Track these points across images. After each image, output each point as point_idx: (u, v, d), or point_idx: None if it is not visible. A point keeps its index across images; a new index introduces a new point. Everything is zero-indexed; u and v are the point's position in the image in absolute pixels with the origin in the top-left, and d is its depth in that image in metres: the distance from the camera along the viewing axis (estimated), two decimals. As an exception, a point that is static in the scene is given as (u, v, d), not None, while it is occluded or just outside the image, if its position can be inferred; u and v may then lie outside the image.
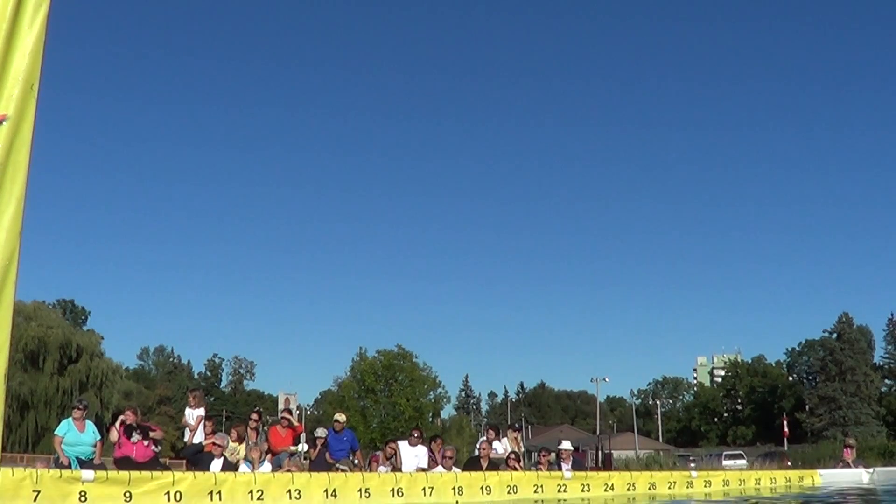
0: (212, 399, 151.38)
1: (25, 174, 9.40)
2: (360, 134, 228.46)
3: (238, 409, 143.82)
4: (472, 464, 21.33)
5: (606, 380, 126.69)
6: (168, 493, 14.94)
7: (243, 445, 20.59)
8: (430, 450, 22.35)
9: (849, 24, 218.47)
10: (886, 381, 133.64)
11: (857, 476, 28.24)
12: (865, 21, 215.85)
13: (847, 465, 29.36)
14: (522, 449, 25.42)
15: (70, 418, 18.70)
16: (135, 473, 15.21)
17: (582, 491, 20.37)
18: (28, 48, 9.55)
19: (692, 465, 69.25)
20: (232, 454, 19.93)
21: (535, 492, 19.58)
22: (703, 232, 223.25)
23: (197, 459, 19.77)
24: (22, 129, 9.44)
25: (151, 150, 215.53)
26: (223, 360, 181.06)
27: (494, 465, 21.26)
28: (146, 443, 18.70)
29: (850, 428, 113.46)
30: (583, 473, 21.37)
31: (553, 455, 23.40)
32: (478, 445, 23.05)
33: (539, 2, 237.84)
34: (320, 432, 21.82)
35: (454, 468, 20.71)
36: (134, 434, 18.61)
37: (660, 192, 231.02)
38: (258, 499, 15.76)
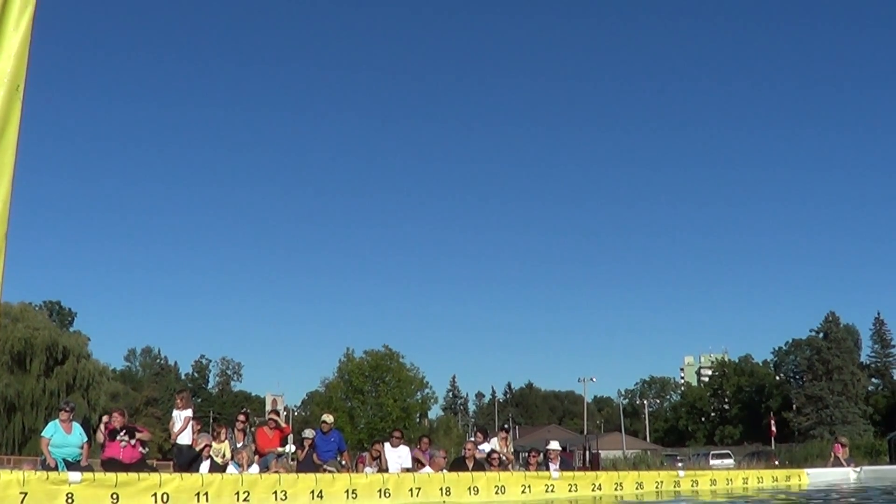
0: (199, 400, 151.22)
1: (11, 176, 9.38)
2: (346, 135, 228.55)
3: (225, 410, 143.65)
4: (457, 464, 21.34)
5: (594, 380, 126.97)
6: (155, 494, 14.94)
7: (225, 444, 20.50)
8: (420, 449, 22.38)
9: (837, 23, 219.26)
10: (873, 380, 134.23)
11: (845, 475, 28.33)
12: (853, 20, 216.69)
13: (839, 463, 29.43)
14: (511, 450, 25.42)
15: (57, 420, 18.65)
16: (122, 475, 15.19)
17: (570, 491, 20.42)
18: (13, 49, 9.54)
19: (679, 464, 69.46)
20: (217, 455, 19.88)
21: (523, 492, 19.61)
22: (689, 232, 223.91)
23: (190, 468, 19.61)
24: (7, 130, 9.42)
25: (138, 151, 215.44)
26: (210, 361, 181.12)
27: (481, 465, 21.28)
28: (133, 444, 18.66)
29: (837, 427, 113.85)
30: (570, 473, 21.42)
31: (541, 455, 23.45)
32: (464, 446, 23.06)
33: (537, 2, 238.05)
34: (307, 433, 21.81)
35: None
36: (120, 436, 18.56)
37: (646, 192, 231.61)
38: (244, 500, 15.75)
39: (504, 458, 22.36)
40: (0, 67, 9.47)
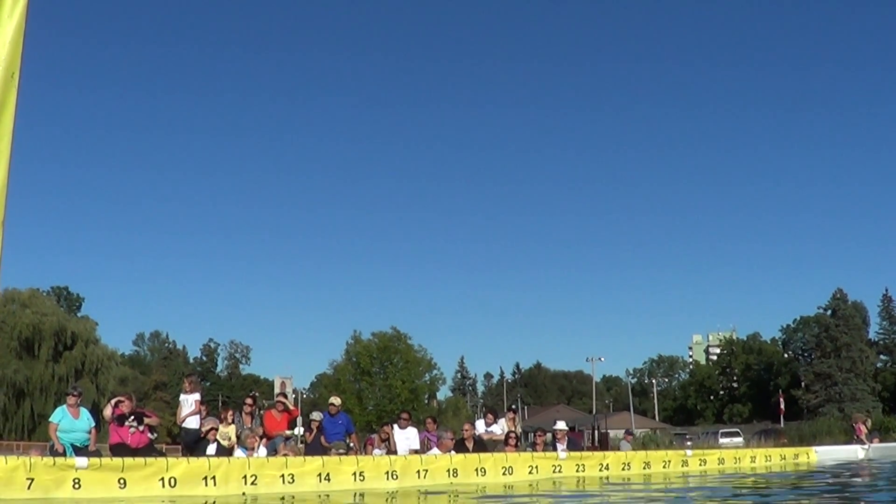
0: (208, 384, 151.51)
1: (7, 162, 9.37)
2: (352, 120, 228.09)
3: (234, 393, 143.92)
4: (458, 446, 21.32)
5: (602, 359, 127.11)
6: (162, 479, 14.95)
7: (232, 428, 20.52)
8: (427, 430, 22.42)
9: (845, 8, 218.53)
10: (881, 356, 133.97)
11: (853, 452, 28.35)
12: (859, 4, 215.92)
13: (861, 441, 29.51)
14: (519, 430, 25.46)
15: (65, 405, 18.67)
16: (128, 460, 15.21)
17: (577, 471, 20.42)
18: (8, 37, 9.51)
19: (688, 443, 69.52)
20: (223, 438, 19.90)
21: (530, 472, 19.62)
22: (696, 210, 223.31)
23: (196, 447, 19.72)
24: (3, 117, 9.40)
25: (144, 137, 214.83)
26: (219, 344, 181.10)
27: (482, 445, 21.30)
28: (141, 429, 18.69)
29: (845, 404, 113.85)
30: (577, 454, 21.41)
31: (549, 435, 23.42)
32: (462, 428, 23.10)
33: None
34: (315, 416, 21.86)
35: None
36: (128, 421, 18.60)
37: (652, 172, 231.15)
38: (252, 483, 15.77)
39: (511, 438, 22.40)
40: (-5, 55, 9.49)
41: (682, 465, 22.85)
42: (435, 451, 20.60)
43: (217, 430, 19.83)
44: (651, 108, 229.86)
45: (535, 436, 23.10)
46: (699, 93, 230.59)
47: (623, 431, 46.22)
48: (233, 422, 20.75)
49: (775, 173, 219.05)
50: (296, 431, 23.84)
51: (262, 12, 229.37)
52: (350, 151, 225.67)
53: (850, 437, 35.34)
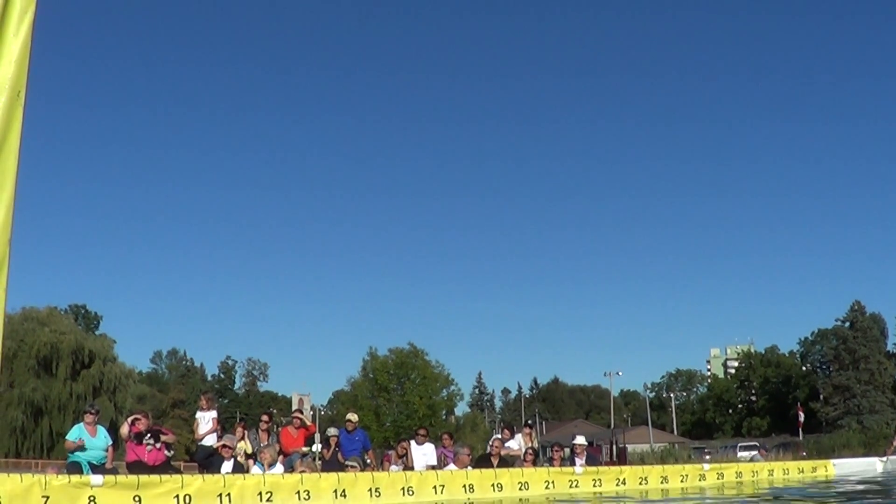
0: (226, 401, 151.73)
1: (14, 182, 9.36)
2: (367, 136, 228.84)
3: (252, 410, 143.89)
4: (482, 461, 21.27)
5: (620, 374, 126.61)
6: (177, 496, 14.90)
7: (243, 443, 20.50)
8: (444, 446, 22.38)
9: (856, 16, 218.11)
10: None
11: (871, 465, 28.18)
12: (870, 12, 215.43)
13: None
14: (537, 445, 25.41)
15: (82, 423, 18.72)
16: (144, 477, 15.18)
17: (594, 486, 20.32)
18: (14, 56, 9.52)
19: (707, 457, 69.30)
20: (238, 454, 19.89)
21: (547, 488, 19.54)
22: (713, 224, 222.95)
23: (209, 463, 19.74)
24: (9, 137, 9.40)
25: (161, 154, 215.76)
26: (236, 362, 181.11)
27: (506, 462, 21.23)
28: (158, 446, 18.71)
29: (864, 416, 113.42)
30: (594, 468, 21.34)
31: (566, 450, 23.37)
32: (490, 443, 23.05)
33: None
34: (332, 432, 21.84)
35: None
36: (145, 439, 18.63)
37: (669, 185, 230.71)
38: (267, 500, 15.71)
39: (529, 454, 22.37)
40: (0, 74, 9.49)
41: (700, 480, 22.75)
42: (452, 466, 20.55)
43: (229, 447, 19.81)
44: (668, 118, 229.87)
45: (552, 451, 23.02)
46: (717, 103, 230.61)
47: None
48: (243, 438, 20.75)
49: (792, 185, 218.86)
50: (312, 448, 23.82)
51: (267, 26, 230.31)
52: (366, 167, 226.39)
53: (883, 446, 35.05)
